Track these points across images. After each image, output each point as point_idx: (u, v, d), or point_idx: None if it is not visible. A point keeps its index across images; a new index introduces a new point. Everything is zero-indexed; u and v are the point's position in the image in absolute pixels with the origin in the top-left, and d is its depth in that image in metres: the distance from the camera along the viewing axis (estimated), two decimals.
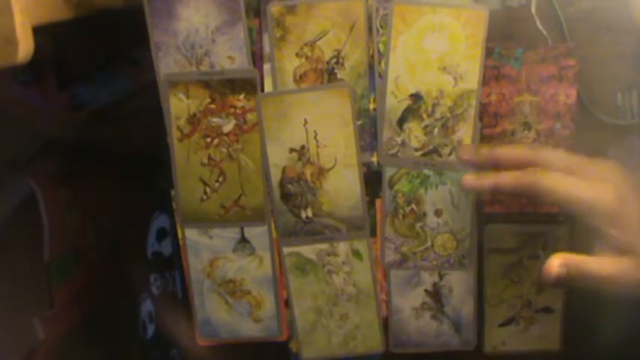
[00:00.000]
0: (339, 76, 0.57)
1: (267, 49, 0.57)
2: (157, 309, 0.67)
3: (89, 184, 0.72)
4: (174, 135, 0.59)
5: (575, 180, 0.51)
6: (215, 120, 0.58)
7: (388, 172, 0.59)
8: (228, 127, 0.59)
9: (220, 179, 0.59)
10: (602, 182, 0.51)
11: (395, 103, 0.58)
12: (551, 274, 0.51)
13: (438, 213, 0.59)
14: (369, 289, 0.61)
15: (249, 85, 0.58)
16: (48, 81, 0.67)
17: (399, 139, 0.58)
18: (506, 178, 0.53)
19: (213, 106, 0.58)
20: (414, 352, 0.62)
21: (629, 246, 0.50)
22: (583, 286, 0.52)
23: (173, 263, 0.65)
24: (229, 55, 0.57)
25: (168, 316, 0.66)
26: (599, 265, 0.51)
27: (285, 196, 0.59)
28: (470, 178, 0.55)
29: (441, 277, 0.61)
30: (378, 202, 0.60)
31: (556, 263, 0.51)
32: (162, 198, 0.64)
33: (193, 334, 0.63)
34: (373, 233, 0.60)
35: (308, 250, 0.61)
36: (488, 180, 0.54)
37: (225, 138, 0.59)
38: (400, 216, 0.60)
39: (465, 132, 0.58)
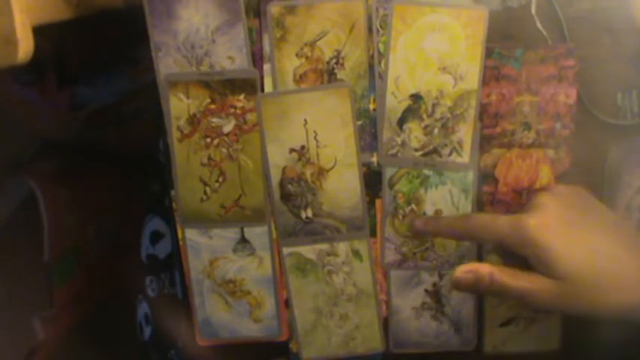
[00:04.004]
0: (339, 76, 0.57)
1: (267, 49, 0.57)
2: (154, 311, 0.67)
3: (89, 184, 0.72)
4: (174, 135, 0.59)
5: (493, 216, 0.55)
6: (215, 120, 0.58)
7: (388, 172, 0.59)
8: (228, 127, 0.59)
9: (220, 179, 0.59)
10: (524, 214, 0.53)
11: (395, 103, 0.58)
12: (455, 278, 0.54)
13: (438, 213, 0.59)
14: (369, 289, 0.61)
15: (249, 86, 0.58)
16: (48, 81, 0.67)
17: (399, 139, 0.58)
18: (442, 226, 0.58)
19: (213, 106, 0.58)
20: (414, 352, 0.62)
21: (548, 270, 0.51)
22: (497, 296, 0.56)
23: (169, 265, 0.65)
24: (229, 55, 0.57)
25: (165, 317, 0.66)
26: (514, 278, 0.52)
27: (285, 197, 0.59)
28: (418, 222, 0.59)
29: (441, 277, 0.61)
30: (378, 202, 0.60)
31: (463, 269, 0.54)
32: (155, 201, 0.64)
33: (192, 334, 0.63)
34: (373, 233, 0.60)
35: (308, 250, 0.61)
36: (430, 226, 0.59)
37: (225, 138, 0.59)
38: (400, 216, 0.60)
39: (465, 132, 0.58)
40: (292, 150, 0.58)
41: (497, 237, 0.54)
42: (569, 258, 0.51)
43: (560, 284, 0.51)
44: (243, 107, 0.58)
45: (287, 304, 0.62)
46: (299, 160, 0.59)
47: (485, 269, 0.53)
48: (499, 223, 0.54)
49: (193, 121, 0.58)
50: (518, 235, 0.52)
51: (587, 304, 0.51)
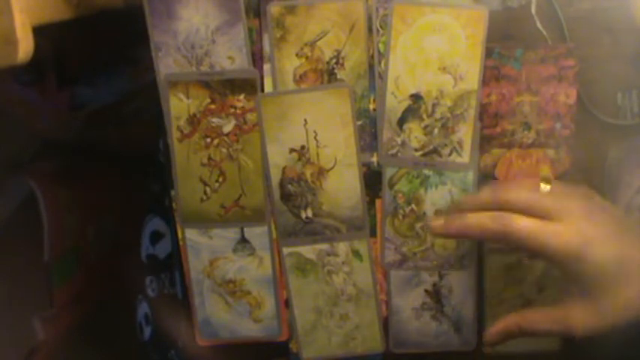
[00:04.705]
0: (339, 76, 0.57)
1: (267, 49, 0.57)
2: (154, 311, 0.67)
3: (89, 184, 0.72)
4: (174, 135, 0.59)
5: (538, 225, 0.51)
6: (215, 120, 0.58)
7: (388, 172, 0.59)
8: (228, 127, 0.59)
9: (220, 179, 0.59)
10: (567, 224, 0.50)
11: (395, 103, 0.58)
12: (487, 341, 0.55)
13: (438, 213, 0.59)
14: (369, 290, 0.61)
15: (249, 86, 0.58)
16: (48, 81, 0.67)
17: (399, 140, 0.58)
18: (473, 225, 0.53)
19: (213, 106, 0.58)
20: (414, 352, 0.62)
21: (591, 287, 0.50)
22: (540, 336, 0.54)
23: (169, 265, 0.65)
24: (229, 55, 0.57)
25: (165, 317, 0.66)
26: (545, 317, 0.53)
27: (285, 196, 0.59)
28: (438, 223, 0.55)
29: (441, 277, 0.61)
30: (378, 202, 0.60)
31: (492, 332, 0.54)
32: (155, 201, 0.64)
33: (192, 334, 0.63)
34: (373, 233, 0.60)
35: (308, 250, 0.61)
36: (455, 226, 0.54)
37: (225, 138, 0.59)
38: (400, 216, 0.60)
39: (465, 132, 0.58)
40: (292, 150, 0.58)
41: (540, 248, 0.51)
42: (605, 259, 0.50)
43: (593, 297, 0.50)
44: (243, 107, 0.58)
45: (287, 304, 0.62)
46: (299, 160, 0.59)
47: (512, 320, 0.53)
48: (546, 233, 0.50)
49: (193, 121, 0.58)
50: (564, 248, 0.50)
51: (621, 307, 0.50)
